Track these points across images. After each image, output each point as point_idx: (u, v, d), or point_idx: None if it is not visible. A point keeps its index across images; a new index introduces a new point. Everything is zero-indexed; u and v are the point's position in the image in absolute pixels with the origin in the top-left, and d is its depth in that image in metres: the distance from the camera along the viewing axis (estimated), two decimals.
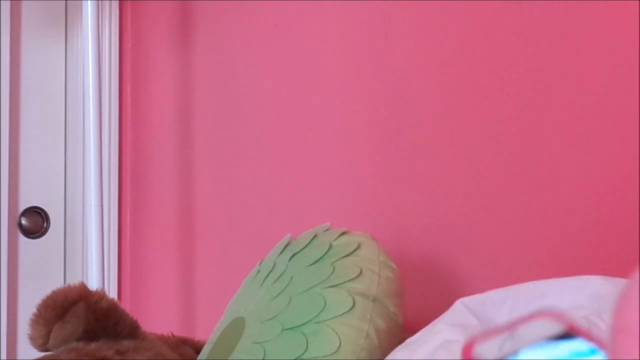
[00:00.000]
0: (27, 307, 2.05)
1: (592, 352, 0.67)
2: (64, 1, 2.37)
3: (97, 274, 2.04)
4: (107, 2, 2.31)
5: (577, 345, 0.67)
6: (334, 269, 1.33)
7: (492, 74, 1.51)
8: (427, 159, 1.60)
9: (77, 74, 2.32)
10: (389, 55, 1.68)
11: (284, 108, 1.90)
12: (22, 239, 2.32)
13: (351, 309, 1.28)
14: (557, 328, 0.67)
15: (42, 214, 2.34)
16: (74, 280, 1.93)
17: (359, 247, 1.37)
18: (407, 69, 1.64)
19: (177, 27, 2.21)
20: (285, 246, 1.46)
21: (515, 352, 0.66)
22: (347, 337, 1.26)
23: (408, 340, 1.23)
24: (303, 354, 1.25)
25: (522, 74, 1.46)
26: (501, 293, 1.13)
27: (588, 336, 0.66)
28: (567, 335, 0.68)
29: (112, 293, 2.26)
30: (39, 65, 2.34)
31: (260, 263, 1.51)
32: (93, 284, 1.99)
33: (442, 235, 1.56)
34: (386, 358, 1.23)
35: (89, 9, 2.07)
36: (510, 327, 0.68)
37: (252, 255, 1.61)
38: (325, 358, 1.24)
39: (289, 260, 1.41)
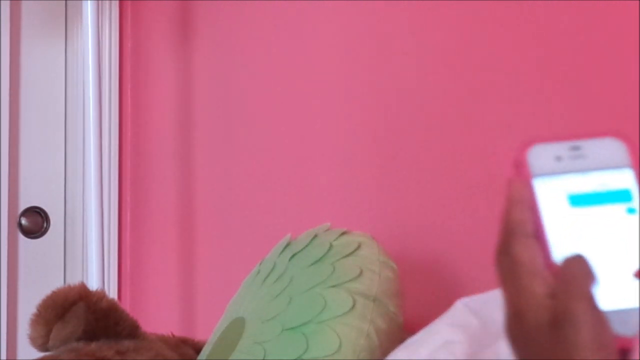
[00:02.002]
0: (27, 307, 2.05)
1: (627, 195, 0.60)
2: (64, 1, 2.36)
3: (97, 274, 2.04)
4: (107, 2, 2.31)
5: (624, 179, 0.60)
6: (334, 269, 1.33)
7: (493, 75, 1.51)
8: (427, 159, 1.60)
9: (77, 74, 2.32)
10: (390, 56, 1.68)
11: (284, 108, 1.90)
12: (22, 239, 2.31)
13: (351, 309, 1.28)
14: (624, 155, 0.60)
15: (42, 214, 2.33)
16: (74, 280, 1.93)
17: (359, 247, 1.37)
18: (409, 69, 1.64)
19: (177, 27, 2.21)
20: (285, 246, 1.46)
21: (583, 170, 0.60)
22: (348, 337, 1.26)
23: (408, 341, 1.23)
24: (303, 354, 1.25)
25: (523, 77, 1.46)
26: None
27: None
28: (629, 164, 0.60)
29: (112, 293, 2.25)
30: (39, 65, 2.34)
31: (261, 263, 1.51)
32: (93, 284, 1.99)
33: (443, 235, 1.56)
34: (386, 358, 1.23)
35: (89, 9, 2.07)
36: (573, 138, 0.61)
37: (252, 255, 1.61)
38: (325, 358, 1.24)
39: (289, 261, 1.41)
